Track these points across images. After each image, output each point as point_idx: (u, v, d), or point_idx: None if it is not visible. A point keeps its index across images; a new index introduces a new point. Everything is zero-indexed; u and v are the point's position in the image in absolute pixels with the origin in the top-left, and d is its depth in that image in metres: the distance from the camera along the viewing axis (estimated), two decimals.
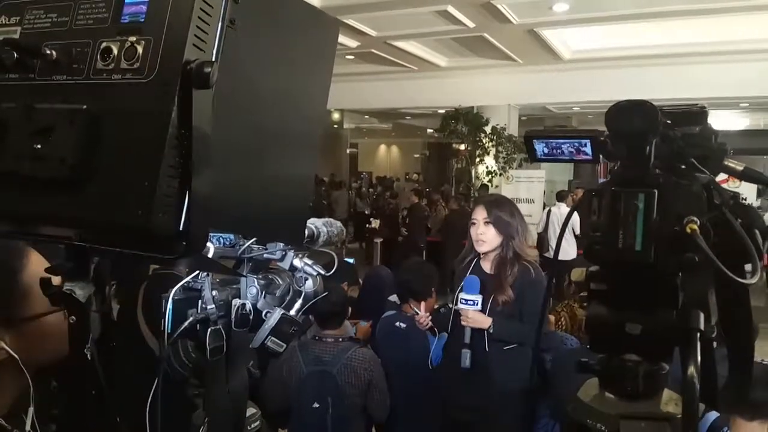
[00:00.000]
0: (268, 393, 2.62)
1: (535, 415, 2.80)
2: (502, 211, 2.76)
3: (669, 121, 0.83)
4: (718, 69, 9.33)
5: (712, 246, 0.73)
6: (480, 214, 2.76)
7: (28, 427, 0.91)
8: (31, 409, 0.91)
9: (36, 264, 0.94)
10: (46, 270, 0.81)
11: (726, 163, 0.86)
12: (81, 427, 0.84)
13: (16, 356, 0.89)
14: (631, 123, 0.75)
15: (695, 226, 0.72)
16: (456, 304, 2.69)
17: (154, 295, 1.04)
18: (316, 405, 2.56)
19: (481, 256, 2.80)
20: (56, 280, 0.79)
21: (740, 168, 0.86)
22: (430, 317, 2.89)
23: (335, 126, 17.46)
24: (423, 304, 2.95)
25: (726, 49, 8.91)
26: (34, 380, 0.91)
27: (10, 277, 0.90)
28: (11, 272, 0.91)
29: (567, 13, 7.83)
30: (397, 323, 2.99)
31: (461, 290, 2.68)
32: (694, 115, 0.87)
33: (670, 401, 0.86)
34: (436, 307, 3.05)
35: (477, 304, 2.62)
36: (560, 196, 9.55)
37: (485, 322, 2.61)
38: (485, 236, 2.72)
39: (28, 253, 0.94)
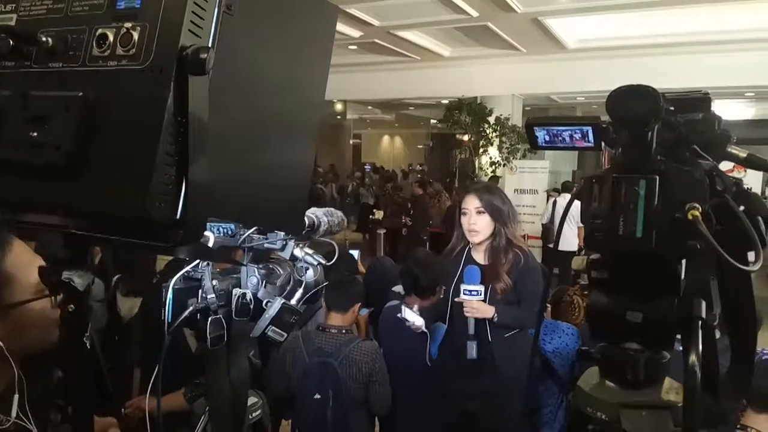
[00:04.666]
0: (271, 381, 2.63)
1: (539, 402, 2.81)
2: (494, 197, 2.73)
3: (672, 108, 0.82)
4: (724, 58, 9.23)
5: (715, 233, 0.72)
6: (472, 203, 2.69)
7: (13, 413, 0.90)
8: (16, 396, 0.90)
9: (18, 252, 0.94)
10: (44, 258, 0.81)
11: (729, 149, 0.85)
12: (84, 415, 0.84)
13: (0, 344, 0.88)
14: (633, 108, 0.73)
15: (697, 213, 0.71)
16: (455, 296, 2.66)
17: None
18: (317, 396, 2.56)
19: (472, 247, 2.75)
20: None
21: (743, 155, 0.86)
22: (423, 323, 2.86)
23: (338, 117, 17.37)
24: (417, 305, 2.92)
25: (731, 38, 8.82)
26: (25, 369, 0.90)
27: None
28: None
29: (571, 2, 7.77)
30: (399, 314, 2.98)
31: (462, 281, 2.66)
32: (697, 101, 0.86)
33: (671, 390, 0.86)
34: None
35: (480, 294, 2.61)
36: (565, 187, 9.50)
37: (489, 311, 2.60)
38: (478, 226, 2.67)
39: (10, 241, 0.94)
